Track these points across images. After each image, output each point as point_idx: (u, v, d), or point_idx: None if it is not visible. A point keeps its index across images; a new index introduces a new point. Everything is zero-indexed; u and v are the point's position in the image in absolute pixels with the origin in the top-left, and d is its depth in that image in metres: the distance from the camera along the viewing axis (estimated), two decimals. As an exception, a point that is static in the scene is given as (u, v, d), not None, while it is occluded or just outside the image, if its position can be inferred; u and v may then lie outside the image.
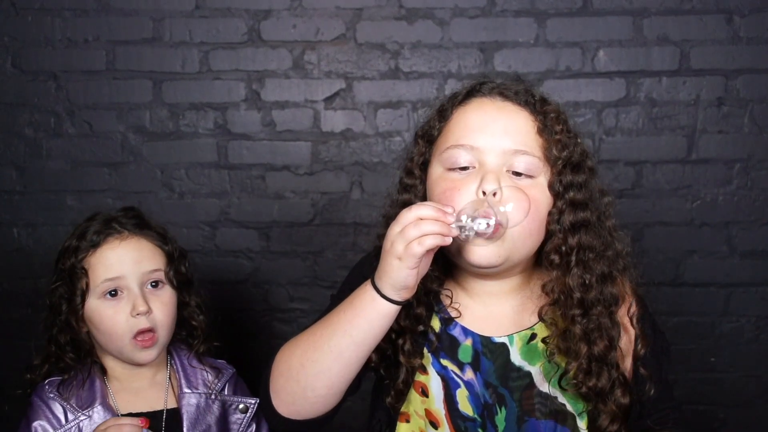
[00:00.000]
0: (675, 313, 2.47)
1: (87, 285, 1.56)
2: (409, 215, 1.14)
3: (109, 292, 1.56)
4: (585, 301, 1.28)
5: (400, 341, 1.33)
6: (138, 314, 1.54)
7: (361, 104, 2.48)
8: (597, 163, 1.41)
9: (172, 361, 1.69)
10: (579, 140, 1.33)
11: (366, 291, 1.19)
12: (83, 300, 1.57)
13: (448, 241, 1.13)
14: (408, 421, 1.36)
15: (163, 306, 1.60)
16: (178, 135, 2.50)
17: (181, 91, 2.49)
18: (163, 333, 1.60)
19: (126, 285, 1.56)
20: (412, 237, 1.11)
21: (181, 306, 1.69)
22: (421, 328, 1.33)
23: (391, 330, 1.30)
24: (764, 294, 2.47)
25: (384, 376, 1.37)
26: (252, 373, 2.48)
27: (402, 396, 1.34)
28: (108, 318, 1.55)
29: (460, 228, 1.16)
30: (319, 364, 1.22)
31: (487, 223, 1.16)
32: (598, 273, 1.29)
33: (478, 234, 1.18)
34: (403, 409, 1.36)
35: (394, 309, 1.19)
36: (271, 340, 2.56)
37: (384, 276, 1.16)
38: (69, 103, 2.49)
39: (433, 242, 1.11)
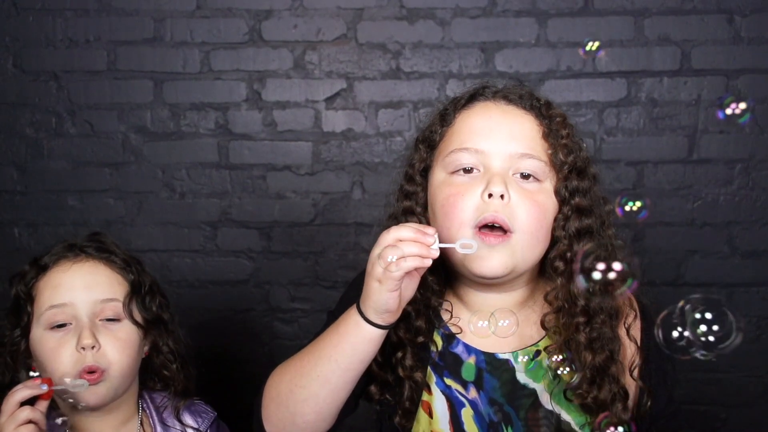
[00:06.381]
0: (676, 313, 2.47)
1: (30, 315, 1.36)
2: (388, 237, 1.12)
3: (57, 324, 1.34)
4: (589, 309, 1.25)
5: (399, 354, 1.30)
6: (83, 348, 1.32)
7: (362, 104, 2.48)
8: (598, 163, 1.40)
9: (144, 405, 1.49)
10: (583, 145, 1.31)
11: (351, 315, 1.18)
12: (24, 334, 1.36)
13: (428, 263, 1.11)
14: None
15: (116, 342, 1.36)
16: (179, 135, 2.50)
17: (182, 91, 2.49)
18: (116, 374, 1.35)
19: (74, 314, 1.35)
20: (391, 259, 1.10)
21: (154, 351, 1.49)
22: (421, 339, 1.31)
23: (390, 346, 1.29)
24: (765, 294, 2.47)
25: (388, 401, 1.33)
26: (252, 374, 2.48)
27: (411, 415, 1.31)
28: (50, 351, 1.33)
29: None
30: (306, 390, 1.20)
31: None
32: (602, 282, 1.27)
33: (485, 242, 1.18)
34: (413, 429, 1.33)
35: (378, 333, 1.17)
36: (273, 341, 2.56)
37: (367, 299, 1.14)
38: (70, 103, 2.50)
39: (411, 264, 1.09)
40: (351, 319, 1.17)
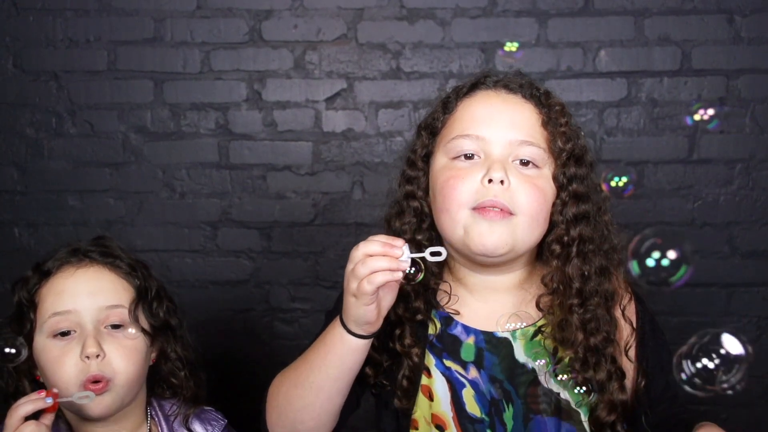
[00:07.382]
0: (676, 314, 2.47)
1: (33, 322, 1.32)
2: (357, 253, 1.14)
3: (60, 332, 1.31)
4: (583, 292, 1.29)
5: (398, 331, 1.33)
6: (87, 357, 1.27)
7: (362, 104, 2.48)
8: (598, 162, 1.42)
9: (153, 413, 1.45)
10: (581, 133, 1.35)
11: (335, 327, 1.21)
12: (27, 342, 1.32)
13: (399, 275, 1.13)
14: (417, 429, 1.34)
15: (122, 350, 1.32)
16: (180, 135, 2.50)
17: (182, 91, 2.49)
18: (122, 383, 1.31)
19: (78, 322, 1.31)
20: (362, 275, 1.11)
21: (161, 358, 1.44)
22: (419, 317, 1.33)
23: (389, 324, 1.31)
24: (765, 294, 2.47)
25: (386, 385, 1.35)
26: (252, 374, 2.48)
27: (410, 395, 1.32)
28: (53, 360, 1.29)
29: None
30: (302, 400, 1.24)
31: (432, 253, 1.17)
32: (597, 266, 1.30)
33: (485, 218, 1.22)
34: (413, 415, 1.34)
35: (363, 343, 1.20)
36: (273, 341, 2.56)
37: (346, 313, 1.18)
38: (70, 103, 2.50)
39: (382, 279, 1.11)
40: (336, 331, 1.20)
